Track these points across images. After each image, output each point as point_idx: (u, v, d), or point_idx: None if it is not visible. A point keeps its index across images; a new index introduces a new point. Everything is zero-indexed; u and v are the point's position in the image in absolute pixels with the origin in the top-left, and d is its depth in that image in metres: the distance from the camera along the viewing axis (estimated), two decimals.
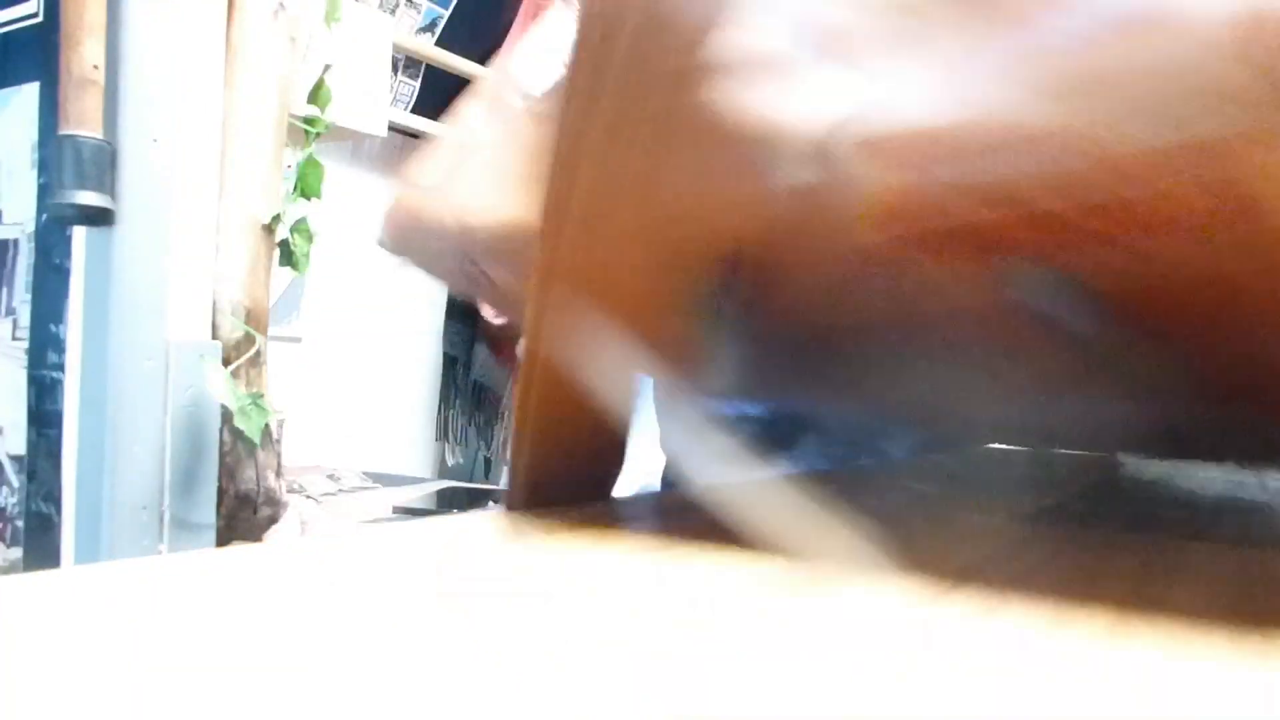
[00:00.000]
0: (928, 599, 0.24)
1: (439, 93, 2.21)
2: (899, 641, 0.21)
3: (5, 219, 0.94)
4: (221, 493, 0.90)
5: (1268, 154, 0.27)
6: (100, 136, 0.83)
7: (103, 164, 0.83)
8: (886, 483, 0.62)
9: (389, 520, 1.36)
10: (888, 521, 0.37)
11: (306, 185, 1.01)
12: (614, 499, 0.44)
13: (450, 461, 2.37)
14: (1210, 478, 0.60)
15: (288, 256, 1.01)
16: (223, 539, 0.91)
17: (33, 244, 0.91)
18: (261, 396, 0.91)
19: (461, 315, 2.35)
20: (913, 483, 0.61)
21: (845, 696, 0.17)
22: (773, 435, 0.89)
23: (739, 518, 0.37)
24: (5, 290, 0.94)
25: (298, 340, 2.04)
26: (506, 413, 2.47)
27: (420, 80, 2.18)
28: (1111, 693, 0.18)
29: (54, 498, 0.86)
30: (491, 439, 2.44)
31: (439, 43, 2.18)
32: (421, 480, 2.01)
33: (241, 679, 0.16)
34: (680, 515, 0.39)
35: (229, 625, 0.20)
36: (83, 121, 0.82)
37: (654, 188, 0.37)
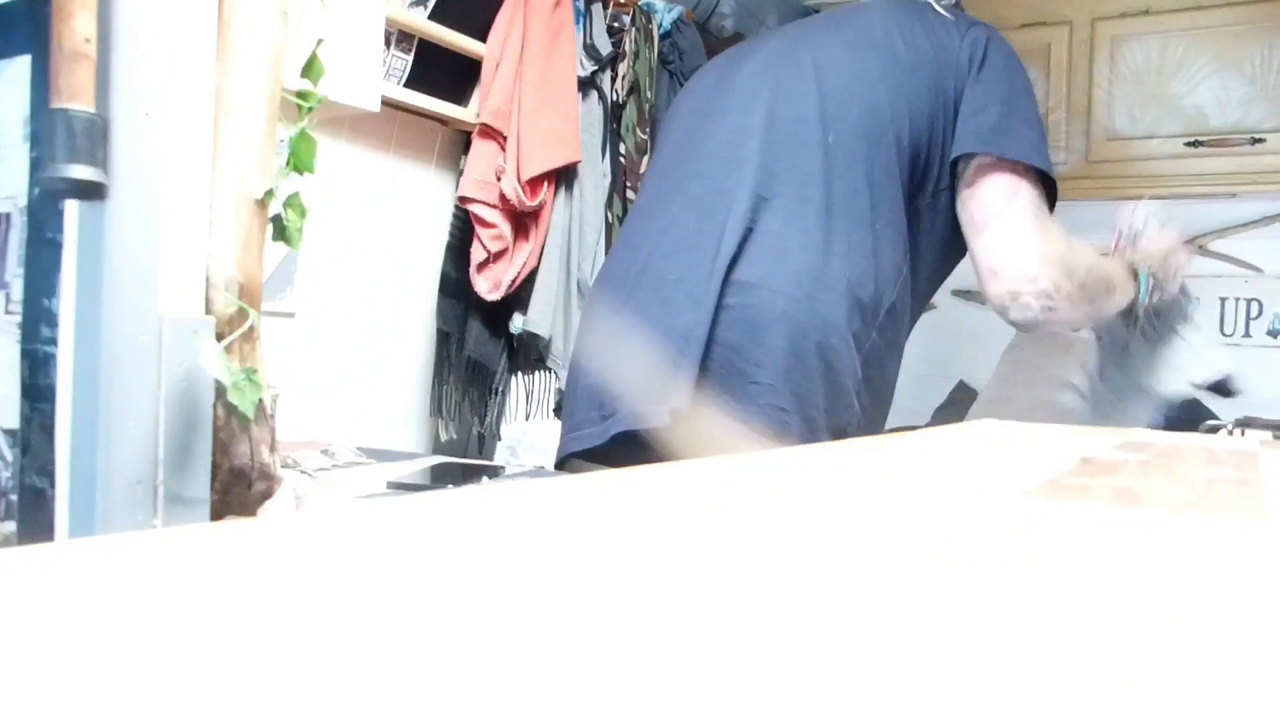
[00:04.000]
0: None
1: (432, 67, 2.20)
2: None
3: None
4: (215, 467, 0.90)
5: None
6: (92, 110, 0.82)
7: (95, 137, 0.82)
8: None
9: (383, 495, 1.36)
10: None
11: (299, 160, 1.01)
12: (604, 470, 0.45)
13: (444, 437, 2.38)
14: None
15: (281, 231, 1.01)
16: (217, 513, 0.91)
17: (25, 217, 0.90)
18: (255, 371, 0.92)
19: (455, 290, 2.35)
20: None
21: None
22: None
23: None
24: None
25: (291, 315, 2.04)
26: (500, 388, 2.47)
27: (413, 54, 2.16)
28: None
29: (48, 472, 0.86)
30: (485, 414, 2.45)
31: (432, 16, 2.16)
32: (415, 455, 2.01)
33: (237, 655, 0.17)
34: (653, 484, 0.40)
35: (224, 600, 0.20)
36: (74, 95, 0.81)
37: None
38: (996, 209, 1.14)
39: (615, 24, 2.59)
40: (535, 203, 2.30)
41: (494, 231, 2.28)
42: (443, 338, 2.37)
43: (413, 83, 2.16)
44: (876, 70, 1.20)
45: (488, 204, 2.26)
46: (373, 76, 1.90)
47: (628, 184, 2.64)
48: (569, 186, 2.43)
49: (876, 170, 1.15)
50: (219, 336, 0.90)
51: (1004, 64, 1.22)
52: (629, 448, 1.09)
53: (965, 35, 1.22)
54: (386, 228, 2.28)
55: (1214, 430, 1.32)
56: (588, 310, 1.51)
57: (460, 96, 2.31)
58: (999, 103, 1.19)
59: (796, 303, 1.09)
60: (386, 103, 2.01)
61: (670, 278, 1.16)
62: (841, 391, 1.10)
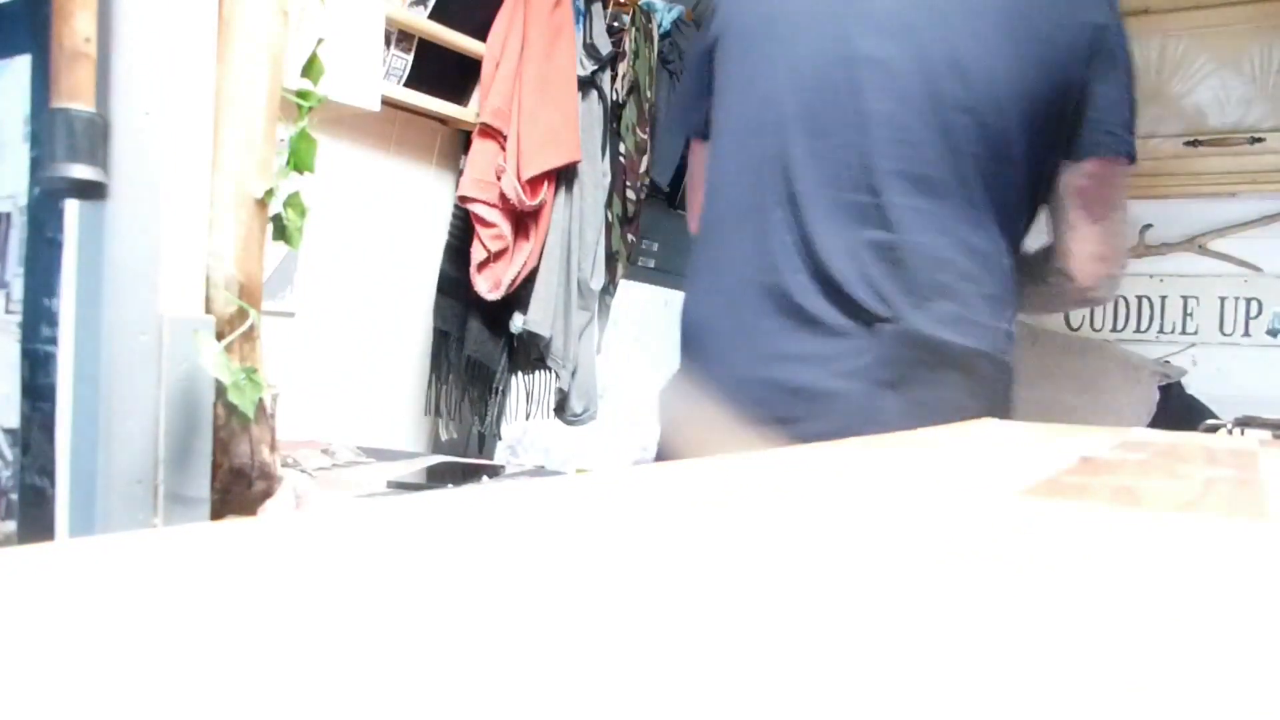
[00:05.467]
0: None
1: (432, 67, 2.20)
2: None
3: None
4: (215, 467, 0.90)
5: None
6: (92, 110, 0.82)
7: (95, 137, 0.82)
8: None
9: (383, 495, 1.36)
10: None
11: (299, 159, 1.01)
12: (605, 472, 0.45)
13: (444, 436, 2.38)
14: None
15: (281, 231, 1.01)
16: (217, 513, 0.91)
17: (25, 217, 0.90)
18: (255, 371, 0.92)
19: (454, 290, 2.35)
20: None
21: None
22: None
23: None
24: None
25: (291, 315, 2.04)
26: (500, 387, 2.47)
27: (413, 54, 2.16)
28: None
29: (48, 471, 0.86)
30: (485, 414, 2.45)
31: (432, 16, 2.16)
32: (415, 455, 2.01)
33: (237, 655, 0.17)
34: (675, 486, 0.40)
35: (224, 600, 0.20)
36: (75, 94, 0.81)
37: None
38: (1115, 203, 1.24)
39: (615, 23, 2.59)
40: (535, 202, 2.30)
41: (494, 231, 2.28)
42: (441, 337, 2.37)
43: (413, 82, 2.16)
44: (994, 37, 1.13)
45: (488, 203, 2.26)
46: (373, 76, 1.90)
47: (627, 183, 2.64)
48: (569, 186, 2.43)
49: (999, 149, 1.13)
50: (219, 336, 0.90)
51: (1128, 52, 1.20)
52: None
53: (1089, 9, 1.16)
54: (386, 228, 2.28)
55: (1214, 429, 1.32)
56: (696, 353, 1.21)
57: (460, 96, 2.31)
58: (1129, 101, 1.21)
59: (975, 329, 1.12)
60: (386, 102, 2.01)
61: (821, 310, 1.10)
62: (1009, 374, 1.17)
